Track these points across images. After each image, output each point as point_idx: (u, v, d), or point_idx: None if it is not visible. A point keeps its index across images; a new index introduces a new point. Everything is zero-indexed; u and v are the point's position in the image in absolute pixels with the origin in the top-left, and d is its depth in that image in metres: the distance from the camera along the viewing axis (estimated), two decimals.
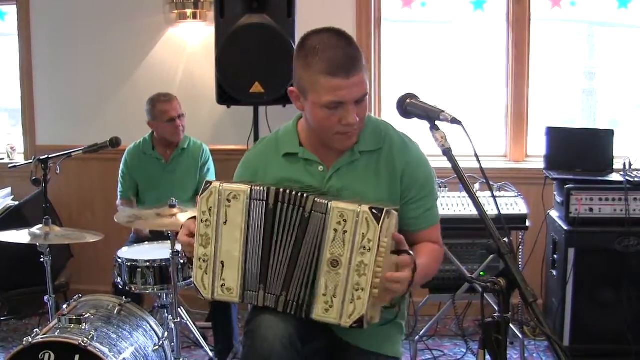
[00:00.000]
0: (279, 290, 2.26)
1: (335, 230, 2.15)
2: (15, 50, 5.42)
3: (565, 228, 4.05)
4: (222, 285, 2.29)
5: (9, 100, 5.68)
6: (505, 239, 1.94)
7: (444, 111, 2.11)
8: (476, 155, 2.05)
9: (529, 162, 5.10)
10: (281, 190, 2.25)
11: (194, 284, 2.35)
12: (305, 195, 2.23)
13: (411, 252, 2.21)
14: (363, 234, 2.12)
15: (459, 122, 2.07)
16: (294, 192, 2.24)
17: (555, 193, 4.38)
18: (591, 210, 4.02)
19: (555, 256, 4.26)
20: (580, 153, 4.37)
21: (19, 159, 5.45)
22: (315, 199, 2.21)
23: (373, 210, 2.12)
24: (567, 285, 4.05)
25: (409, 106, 2.21)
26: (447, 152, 2.07)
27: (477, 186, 4.14)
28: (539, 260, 4.54)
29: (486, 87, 5.26)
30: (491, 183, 4.20)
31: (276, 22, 4.26)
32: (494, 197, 2.20)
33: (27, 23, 5.35)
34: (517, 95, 5.07)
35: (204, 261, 2.30)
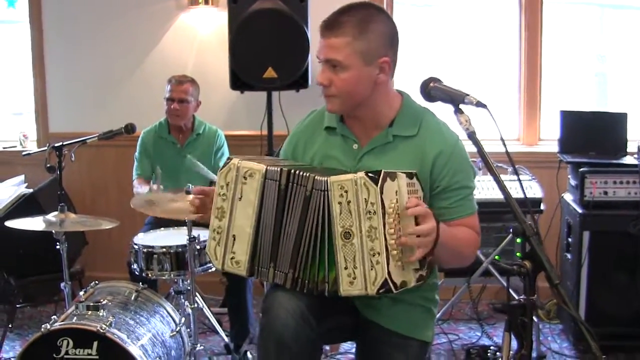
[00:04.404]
0: (287, 268, 2.27)
1: (340, 203, 2.16)
2: (27, 38, 5.40)
3: (580, 211, 4.05)
4: (232, 258, 2.35)
5: (20, 88, 5.67)
6: (530, 222, 1.95)
7: (468, 94, 2.11)
8: (502, 139, 2.06)
9: (542, 146, 5.10)
10: (292, 171, 2.26)
11: (207, 254, 2.42)
12: (307, 174, 2.23)
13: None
14: (365, 199, 2.12)
15: (484, 106, 2.08)
16: (300, 172, 2.25)
17: (569, 176, 4.38)
18: (605, 193, 4.02)
19: (570, 239, 4.26)
20: (594, 136, 4.37)
21: (32, 146, 5.44)
22: (316, 177, 2.21)
23: (369, 174, 2.12)
24: (582, 268, 4.05)
25: (432, 90, 2.21)
26: (472, 136, 2.07)
27: None
28: (553, 243, 4.55)
29: (499, 71, 5.24)
30: (507, 167, 4.21)
31: (289, 7, 4.25)
32: (519, 180, 2.20)
33: (39, 9, 5.32)
34: (530, 79, 5.06)
35: (217, 233, 2.37)
